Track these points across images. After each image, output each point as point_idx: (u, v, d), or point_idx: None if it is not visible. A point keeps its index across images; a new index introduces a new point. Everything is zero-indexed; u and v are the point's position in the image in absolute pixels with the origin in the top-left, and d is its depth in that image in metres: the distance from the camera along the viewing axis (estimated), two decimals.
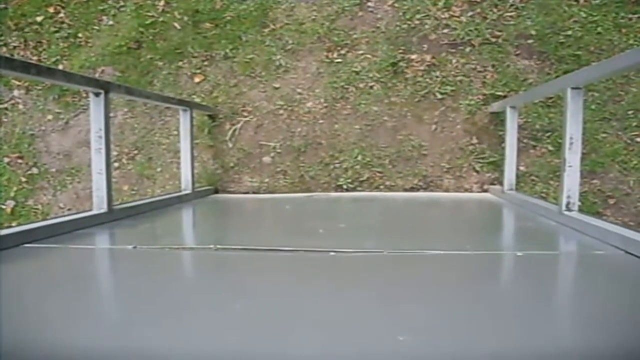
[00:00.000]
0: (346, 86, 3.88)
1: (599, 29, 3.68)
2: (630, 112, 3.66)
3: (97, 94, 2.56)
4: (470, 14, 3.82)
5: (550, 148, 3.70)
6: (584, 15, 3.70)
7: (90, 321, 1.25)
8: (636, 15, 3.69)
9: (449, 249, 1.94)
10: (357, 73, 3.87)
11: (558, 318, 1.29)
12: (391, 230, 2.49)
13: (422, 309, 1.30)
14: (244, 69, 3.97)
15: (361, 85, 3.87)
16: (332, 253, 1.91)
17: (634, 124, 3.66)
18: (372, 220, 2.71)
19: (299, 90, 3.91)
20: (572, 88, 2.42)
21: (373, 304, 1.41)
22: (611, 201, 3.62)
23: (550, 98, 3.63)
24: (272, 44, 3.89)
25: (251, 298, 1.46)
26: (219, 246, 2.00)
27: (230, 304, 1.43)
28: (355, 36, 3.88)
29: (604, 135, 3.64)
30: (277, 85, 3.96)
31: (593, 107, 3.63)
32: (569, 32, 3.71)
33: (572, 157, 2.42)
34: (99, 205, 2.57)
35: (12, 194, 4.17)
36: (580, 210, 2.48)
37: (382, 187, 3.82)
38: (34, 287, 1.57)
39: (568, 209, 2.41)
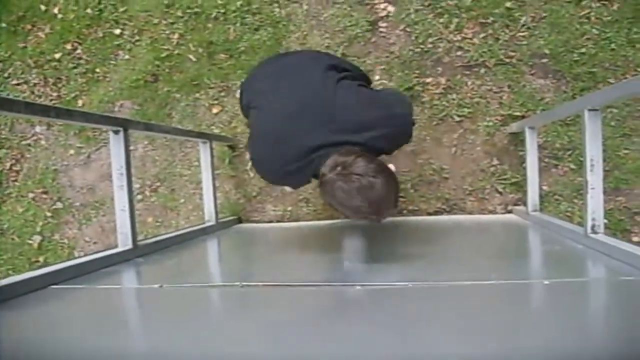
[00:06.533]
0: None
1: (613, 45, 3.66)
2: None
3: (116, 132, 2.60)
4: (482, 35, 3.82)
5: (572, 166, 3.68)
6: (597, 32, 3.69)
7: None
8: None
9: (473, 279, 1.93)
10: None
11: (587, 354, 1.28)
12: (416, 259, 2.49)
13: (447, 346, 1.31)
14: None
15: None
16: (358, 287, 1.93)
17: None
18: (397, 248, 2.72)
19: None
20: (589, 110, 2.42)
21: (399, 341, 1.42)
22: (639, 218, 3.58)
23: (569, 116, 3.62)
24: None
25: (277, 338, 1.47)
26: (244, 283, 2.02)
27: (257, 345, 1.44)
28: (369, 62, 3.89)
29: (626, 151, 3.60)
30: None
31: (612, 123, 3.61)
32: (583, 50, 3.70)
33: (594, 179, 2.41)
34: (124, 242, 2.61)
35: (38, 229, 4.23)
36: (607, 229, 2.46)
37: (405, 211, 3.80)
38: (61, 331, 1.59)
39: (594, 232, 2.40)
